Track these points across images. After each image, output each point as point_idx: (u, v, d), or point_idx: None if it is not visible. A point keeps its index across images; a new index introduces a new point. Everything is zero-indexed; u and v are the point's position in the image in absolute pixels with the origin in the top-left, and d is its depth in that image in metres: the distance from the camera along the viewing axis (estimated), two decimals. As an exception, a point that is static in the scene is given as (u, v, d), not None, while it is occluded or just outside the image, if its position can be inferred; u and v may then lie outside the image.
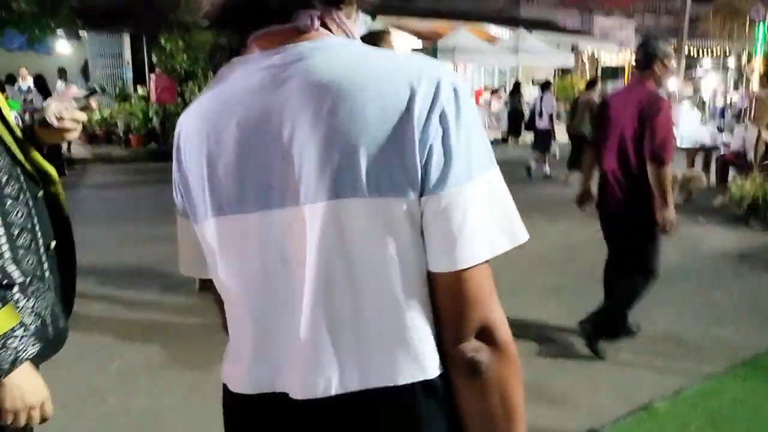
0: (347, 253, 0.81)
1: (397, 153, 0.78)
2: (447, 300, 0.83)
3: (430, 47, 16.30)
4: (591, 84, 10.16)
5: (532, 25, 21.87)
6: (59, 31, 12.32)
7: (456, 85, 0.81)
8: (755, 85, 7.99)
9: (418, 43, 17.46)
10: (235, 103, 0.87)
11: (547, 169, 10.57)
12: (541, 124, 10.64)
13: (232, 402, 0.96)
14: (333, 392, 0.85)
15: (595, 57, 24.24)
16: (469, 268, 0.81)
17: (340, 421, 0.86)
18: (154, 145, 13.72)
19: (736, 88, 14.12)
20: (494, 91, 18.98)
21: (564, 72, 25.00)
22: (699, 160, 9.68)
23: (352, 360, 0.85)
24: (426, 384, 0.85)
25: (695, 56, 26.33)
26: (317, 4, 0.85)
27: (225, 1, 0.85)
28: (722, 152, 8.84)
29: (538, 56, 18.10)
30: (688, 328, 4.27)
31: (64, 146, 12.93)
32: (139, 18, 15.17)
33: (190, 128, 0.92)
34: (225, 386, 0.98)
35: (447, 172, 0.79)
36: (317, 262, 0.83)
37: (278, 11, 0.84)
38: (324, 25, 0.87)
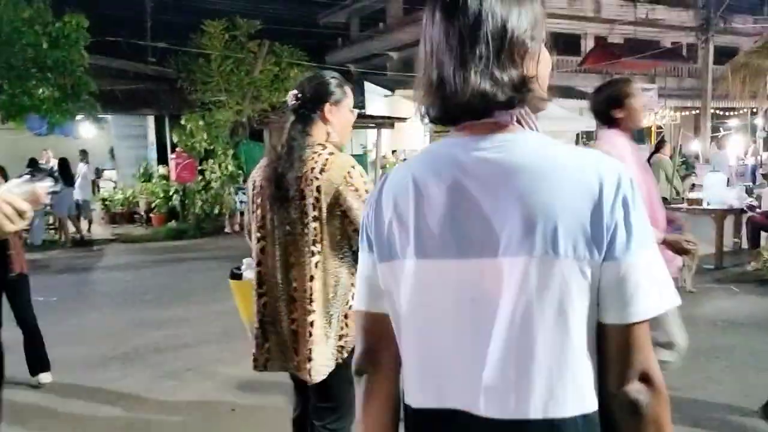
0: (538, 298, 0.99)
1: (590, 226, 0.98)
2: (616, 348, 1.01)
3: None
4: (660, 143, 10.20)
5: (552, 91, 21.92)
6: (79, 116, 12.58)
7: (631, 178, 1.02)
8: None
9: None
10: (447, 167, 1.09)
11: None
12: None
13: (413, 417, 1.15)
14: (515, 416, 1.02)
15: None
16: (638, 322, 1.00)
17: None
18: (174, 224, 13.76)
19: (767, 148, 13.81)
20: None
21: (588, 137, 24.92)
22: (729, 224, 9.27)
23: (532, 390, 1.01)
24: (586, 417, 1.03)
25: (722, 116, 26.08)
26: (510, 105, 1.05)
27: (432, 108, 1.10)
28: (751, 214, 8.43)
29: (559, 122, 18.02)
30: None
31: (84, 226, 13.06)
32: (161, 99, 15.55)
33: (397, 179, 1.15)
34: (407, 405, 1.17)
35: (628, 244, 0.99)
36: (512, 303, 1.01)
37: (484, 111, 1.06)
38: (517, 120, 1.09)
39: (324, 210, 2.23)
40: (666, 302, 1.02)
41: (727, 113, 25.53)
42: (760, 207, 8.40)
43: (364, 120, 18.62)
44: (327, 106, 2.34)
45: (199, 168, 13.74)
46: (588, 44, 27.94)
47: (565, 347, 1.01)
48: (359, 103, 19.68)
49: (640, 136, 23.88)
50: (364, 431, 1.23)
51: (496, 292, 1.03)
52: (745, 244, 8.92)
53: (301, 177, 2.25)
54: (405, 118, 18.03)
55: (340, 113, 2.37)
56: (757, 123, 21.10)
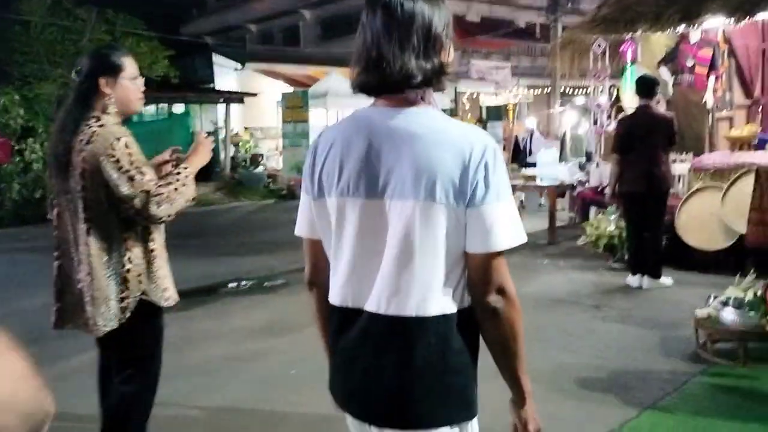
0: (420, 231, 1.37)
1: (458, 182, 1.35)
2: (479, 269, 1.40)
3: (300, 93, 15.71)
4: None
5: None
6: None
7: (495, 148, 1.39)
8: (604, 120, 7.73)
9: (289, 89, 16.89)
10: (365, 129, 1.44)
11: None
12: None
13: (334, 312, 1.52)
14: (397, 313, 1.40)
15: (475, 98, 24.55)
16: (494, 252, 1.38)
17: (392, 331, 1.42)
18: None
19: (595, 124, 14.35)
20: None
21: (451, 113, 25.21)
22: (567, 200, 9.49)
23: (410, 296, 1.39)
24: (446, 316, 1.41)
25: (571, 94, 27.28)
26: (421, 86, 1.41)
27: (366, 81, 1.44)
28: (580, 189, 8.62)
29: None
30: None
31: None
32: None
33: (329, 137, 1.51)
34: (331, 304, 1.53)
35: (486, 197, 1.36)
36: (401, 233, 1.38)
37: (398, 88, 1.42)
38: (421, 98, 1.43)
39: (89, 179, 2.40)
40: (515, 240, 1.39)
41: (576, 92, 26.75)
42: (588, 182, 8.59)
43: (210, 95, 17.64)
44: (102, 80, 2.48)
45: (17, 148, 12.29)
46: (446, 22, 28.15)
47: (435, 268, 1.38)
48: (206, 77, 18.59)
49: (497, 113, 24.52)
50: (319, 328, 1.65)
51: (389, 224, 1.39)
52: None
53: (71, 148, 2.44)
54: (254, 94, 17.26)
55: (118, 85, 2.51)
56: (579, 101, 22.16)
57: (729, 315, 4.07)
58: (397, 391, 1.41)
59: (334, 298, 1.50)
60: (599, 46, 7.31)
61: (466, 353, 1.44)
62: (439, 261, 1.37)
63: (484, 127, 23.26)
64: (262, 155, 16.60)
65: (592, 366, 4.24)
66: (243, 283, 6.93)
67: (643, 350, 4.48)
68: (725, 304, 4.13)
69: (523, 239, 1.40)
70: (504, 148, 18.57)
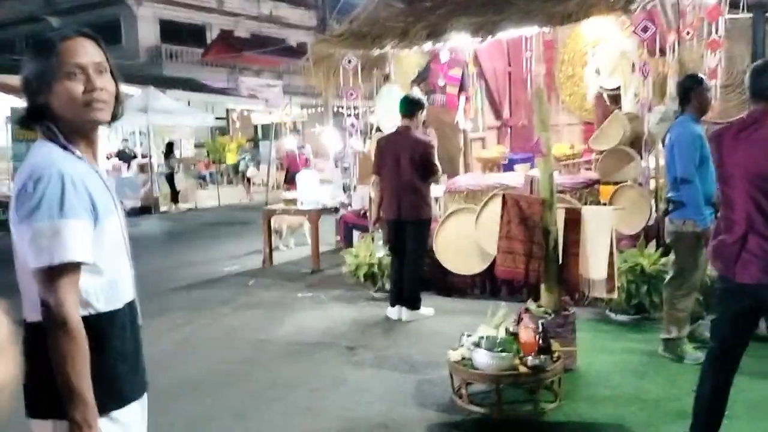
0: (19, 251, 1.58)
1: (16, 205, 1.53)
2: (36, 281, 1.52)
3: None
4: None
5: (172, 83, 20.38)
6: None
7: (39, 176, 1.51)
8: (355, 142, 7.32)
9: (19, 102, 14.57)
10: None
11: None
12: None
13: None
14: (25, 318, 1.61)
15: (246, 116, 23.65)
16: (39, 267, 1.50)
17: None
18: None
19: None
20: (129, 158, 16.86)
21: (221, 132, 23.98)
22: (331, 224, 8.96)
23: (24, 304, 1.61)
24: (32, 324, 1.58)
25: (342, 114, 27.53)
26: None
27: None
28: (343, 212, 8.16)
29: (173, 116, 16.57)
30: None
31: None
32: None
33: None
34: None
35: (26, 216, 1.50)
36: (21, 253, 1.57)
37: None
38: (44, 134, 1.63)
39: None
40: (50, 259, 1.49)
41: (347, 110, 27.01)
42: (351, 205, 8.14)
43: None
44: None
45: None
46: (214, 37, 26.99)
47: (28, 281, 1.57)
48: None
49: (266, 132, 23.80)
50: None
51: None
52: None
53: None
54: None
55: None
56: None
57: (482, 357, 3.67)
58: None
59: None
60: (349, 62, 6.88)
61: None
62: (29, 272, 1.55)
63: (256, 146, 22.52)
64: (-17, 180, 14.12)
65: (334, 429, 3.60)
66: None
67: (396, 401, 3.94)
68: (477, 344, 3.73)
69: (65, 258, 1.50)
70: (278, 168, 17.96)
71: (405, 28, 6.30)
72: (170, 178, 15.90)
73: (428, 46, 6.48)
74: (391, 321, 5.67)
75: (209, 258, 9.29)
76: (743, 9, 6.08)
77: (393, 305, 5.74)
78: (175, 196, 15.92)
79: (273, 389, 4.23)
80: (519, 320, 3.97)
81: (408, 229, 5.66)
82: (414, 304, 5.66)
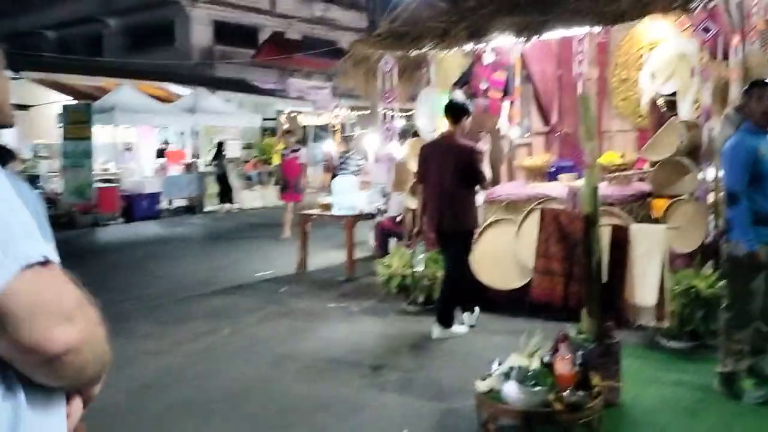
0: None
1: None
2: None
3: (83, 107, 13.77)
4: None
5: (222, 84, 20.48)
6: None
7: None
8: (392, 146, 6.99)
9: (70, 101, 14.84)
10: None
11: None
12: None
13: None
14: None
15: (293, 117, 23.62)
16: None
17: None
18: None
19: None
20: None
21: (271, 133, 24.03)
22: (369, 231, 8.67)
23: None
24: None
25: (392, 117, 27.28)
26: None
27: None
28: (379, 219, 7.87)
29: (221, 117, 16.62)
30: None
31: None
32: None
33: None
34: None
35: None
36: None
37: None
38: None
39: None
40: None
41: (401, 113, 26.72)
42: (387, 211, 7.85)
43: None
44: None
45: None
46: (266, 38, 27.12)
47: None
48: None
49: (319, 133, 23.74)
50: None
51: None
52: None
53: None
54: (27, 106, 14.99)
55: None
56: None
57: (512, 390, 3.31)
58: None
59: None
60: (386, 63, 6.58)
61: None
62: None
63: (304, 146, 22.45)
64: (38, 176, 14.36)
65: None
66: None
67: (418, 432, 3.63)
68: (507, 375, 3.38)
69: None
70: (324, 170, 17.81)
71: (446, 28, 5.97)
72: (222, 178, 15.92)
73: (470, 47, 6.13)
74: (421, 338, 5.35)
75: (244, 261, 9.13)
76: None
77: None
78: (228, 196, 15.92)
79: (287, 414, 3.96)
80: (555, 349, 3.59)
81: (449, 240, 5.40)
82: (446, 321, 5.33)
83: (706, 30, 5.05)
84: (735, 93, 5.10)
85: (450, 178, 5.25)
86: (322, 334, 5.61)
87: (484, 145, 5.55)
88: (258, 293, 7.17)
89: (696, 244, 5.09)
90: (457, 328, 5.38)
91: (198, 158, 16.19)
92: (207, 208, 15.69)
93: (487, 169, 5.40)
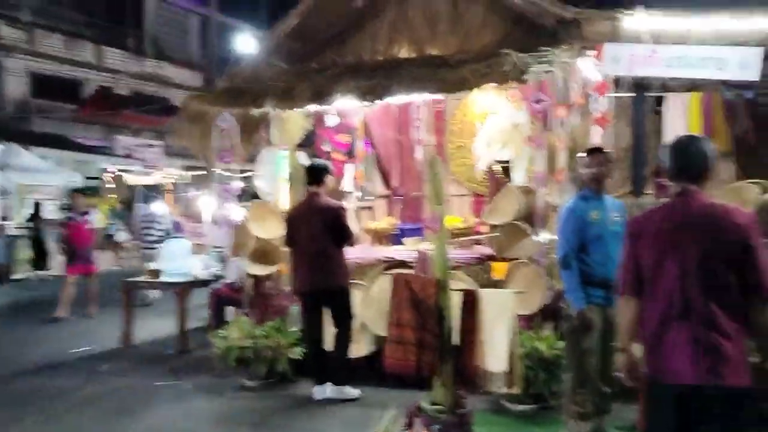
0: None
1: None
2: None
3: None
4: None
5: (39, 139, 18.80)
6: None
7: None
8: (230, 209, 6.60)
9: None
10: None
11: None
12: None
13: None
14: None
15: (119, 176, 22.19)
16: None
17: None
18: None
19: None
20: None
21: (93, 193, 22.28)
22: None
23: None
24: None
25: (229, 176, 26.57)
26: None
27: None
28: (214, 286, 7.35)
29: (35, 175, 15.18)
30: None
31: None
32: None
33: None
34: None
35: None
36: None
37: None
38: None
39: None
40: None
41: (239, 174, 26.06)
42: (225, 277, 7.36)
43: None
44: None
45: None
46: (91, 93, 25.50)
47: None
48: None
49: (148, 194, 22.40)
50: None
51: None
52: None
53: None
54: None
55: None
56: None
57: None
58: None
59: None
60: (224, 121, 6.26)
61: None
62: None
63: (129, 208, 21.06)
64: None
65: None
66: None
67: None
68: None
69: None
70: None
71: (287, 88, 5.79)
72: (37, 241, 14.35)
73: (313, 108, 5.98)
74: (262, 418, 4.92)
75: (58, 336, 8.10)
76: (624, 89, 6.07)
77: (321, 383, 5.21)
78: (42, 261, 14.34)
79: None
80: (409, 424, 3.39)
81: (329, 299, 5.26)
82: (342, 379, 5.18)
83: (538, 101, 5.31)
84: (563, 161, 5.39)
85: (319, 237, 5.21)
86: (147, 419, 4.97)
87: (344, 203, 5.58)
88: (74, 373, 6.30)
89: (536, 305, 5.19)
90: (350, 390, 5.20)
91: (6, 220, 14.53)
92: (16, 275, 14.01)
93: (353, 226, 5.42)
